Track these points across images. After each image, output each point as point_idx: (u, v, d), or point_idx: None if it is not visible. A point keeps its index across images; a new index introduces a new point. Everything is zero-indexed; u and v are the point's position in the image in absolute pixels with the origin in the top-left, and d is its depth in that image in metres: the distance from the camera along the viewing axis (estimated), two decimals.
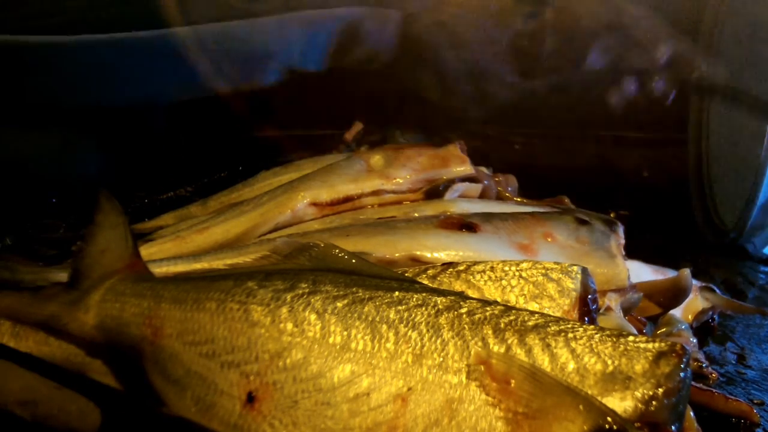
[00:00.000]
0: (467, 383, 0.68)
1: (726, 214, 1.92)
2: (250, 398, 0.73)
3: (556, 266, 0.92)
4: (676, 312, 1.29)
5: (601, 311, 0.98)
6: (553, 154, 2.28)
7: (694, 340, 1.23)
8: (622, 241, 1.17)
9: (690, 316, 1.33)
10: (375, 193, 1.35)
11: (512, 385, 0.67)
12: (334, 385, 0.70)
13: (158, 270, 1.04)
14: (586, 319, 0.86)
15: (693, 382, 0.96)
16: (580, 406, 0.64)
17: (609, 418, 0.63)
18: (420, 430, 0.67)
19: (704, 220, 2.00)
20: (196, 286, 0.83)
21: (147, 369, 0.80)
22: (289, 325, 0.75)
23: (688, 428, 0.87)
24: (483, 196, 1.41)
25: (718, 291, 1.42)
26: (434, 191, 1.38)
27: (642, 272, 1.30)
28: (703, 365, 1.18)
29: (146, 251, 1.19)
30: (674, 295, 1.22)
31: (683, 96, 2.10)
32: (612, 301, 1.02)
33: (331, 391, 0.70)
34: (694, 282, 1.32)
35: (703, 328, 1.35)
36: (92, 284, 0.88)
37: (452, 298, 0.77)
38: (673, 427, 0.65)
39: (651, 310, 1.18)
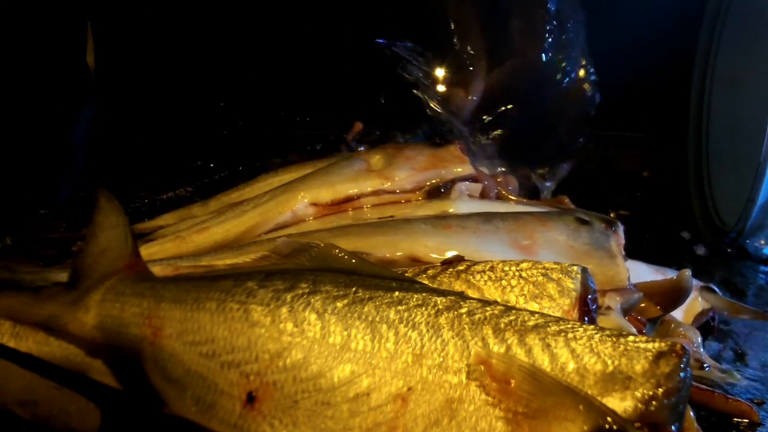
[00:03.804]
0: (467, 383, 0.68)
1: (726, 214, 1.92)
2: (250, 398, 0.73)
3: (556, 266, 0.92)
4: (676, 313, 1.29)
5: (601, 311, 0.98)
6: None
7: (698, 340, 1.23)
8: (623, 241, 1.17)
9: (690, 317, 1.33)
10: (375, 192, 1.35)
11: (512, 385, 0.66)
12: (334, 385, 0.70)
13: (158, 270, 1.04)
14: (586, 319, 0.86)
15: (693, 382, 0.96)
16: (580, 406, 0.64)
17: (609, 418, 0.63)
18: (420, 430, 0.67)
19: (704, 220, 2.00)
20: (196, 286, 0.83)
21: (147, 369, 0.80)
22: (289, 325, 0.75)
23: (688, 428, 0.87)
24: (483, 196, 1.41)
25: (718, 291, 1.42)
26: (434, 191, 1.38)
27: (642, 272, 1.30)
28: (705, 366, 1.18)
29: (146, 251, 1.19)
30: (675, 295, 1.21)
31: (683, 95, 2.11)
32: (612, 301, 1.02)
33: (331, 391, 0.70)
34: (695, 282, 1.32)
35: (703, 328, 1.35)
36: (92, 284, 0.88)
37: (452, 298, 0.77)
38: (673, 427, 0.65)
39: (651, 310, 1.18)
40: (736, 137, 1.94)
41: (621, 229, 1.19)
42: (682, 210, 2.02)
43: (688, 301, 1.28)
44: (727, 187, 1.94)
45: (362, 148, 1.90)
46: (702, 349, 1.23)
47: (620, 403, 0.65)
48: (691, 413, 0.87)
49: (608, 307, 1.00)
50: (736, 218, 1.80)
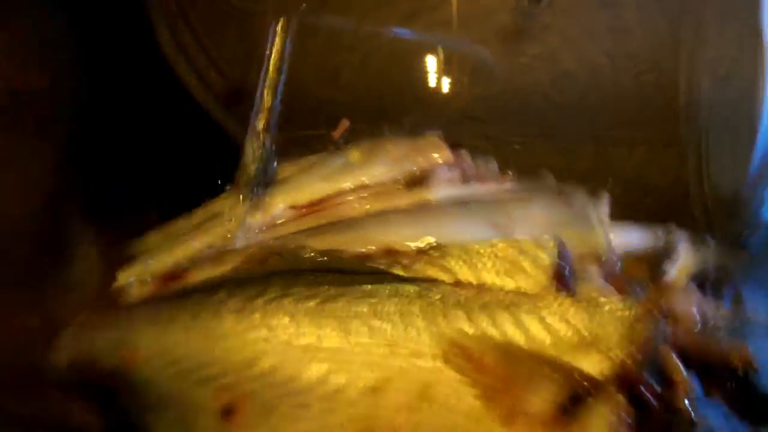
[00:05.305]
0: (442, 367, 0.68)
1: (726, 212, 1.90)
2: (227, 411, 0.72)
3: (531, 241, 0.90)
4: (670, 271, 1.27)
5: (580, 277, 0.96)
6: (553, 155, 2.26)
7: (694, 297, 1.21)
8: (605, 209, 1.16)
9: (684, 274, 1.31)
10: (355, 188, 1.34)
11: (487, 363, 0.66)
12: (310, 385, 0.70)
13: (138, 290, 1.03)
14: (563, 290, 0.85)
15: (685, 331, 0.94)
16: (555, 375, 0.64)
17: (585, 383, 0.63)
18: (399, 419, 0.67)
19: (704, 219, 1.98)
20: (168, 304, 0.83)
21: (123, 399, 0.79)
22: (262, 331, 0.74)
23: (676, 374, 0.85)
24: (462, 179, 1.40)
25: (712, 246, 1.40)
26: (414, 181, 1.37)
27: (629, 235, 1.28)
28: (703, 321, 1.16)
29: (128, 272, 1.18)
30: (663, 255, 1.20)
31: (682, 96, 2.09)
32: (591, 266, 1.00)
33: (306, 392, 0.70)
34: (688, 239, 1.30)
35: (699, 284, 1.34)
36: (61, 324, 0.86)
37: (424, 285, 0.77)
38: (649, 383, 0.65)
39: (639, 272, 1.16)
40: (734, 136, 1.92)
41: (605, 198, 1.17)
42: (682, 210, 2.00)
43: (681, 259, 1.27)
44: (726, 186, 1.93)
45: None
46: (698, 306, 1.21)
47: (596, 366, 0.66)
48: (678, 362, 0.86)
49: (588, 272, 0.98)
50: (736, 217, 1.79)
